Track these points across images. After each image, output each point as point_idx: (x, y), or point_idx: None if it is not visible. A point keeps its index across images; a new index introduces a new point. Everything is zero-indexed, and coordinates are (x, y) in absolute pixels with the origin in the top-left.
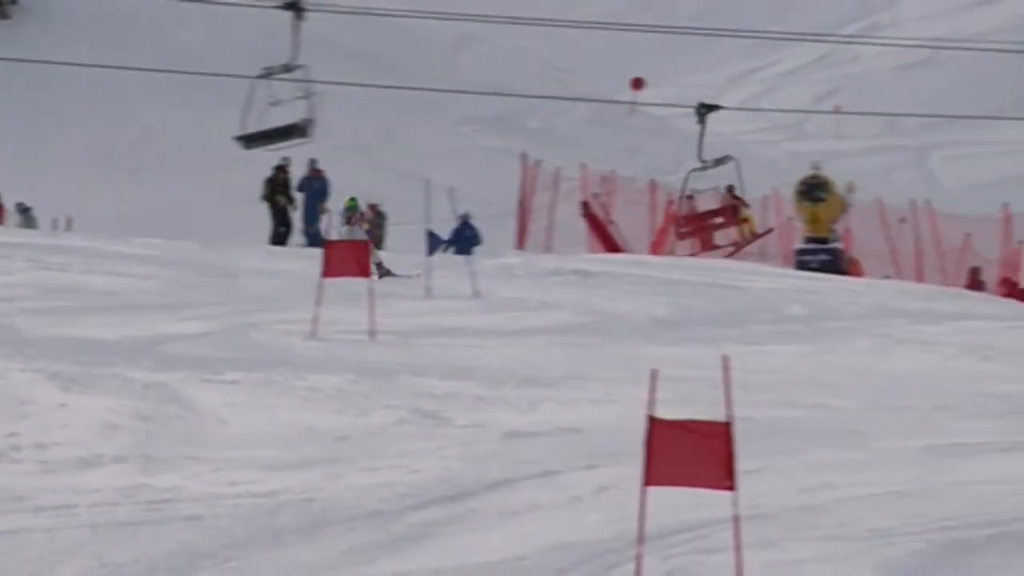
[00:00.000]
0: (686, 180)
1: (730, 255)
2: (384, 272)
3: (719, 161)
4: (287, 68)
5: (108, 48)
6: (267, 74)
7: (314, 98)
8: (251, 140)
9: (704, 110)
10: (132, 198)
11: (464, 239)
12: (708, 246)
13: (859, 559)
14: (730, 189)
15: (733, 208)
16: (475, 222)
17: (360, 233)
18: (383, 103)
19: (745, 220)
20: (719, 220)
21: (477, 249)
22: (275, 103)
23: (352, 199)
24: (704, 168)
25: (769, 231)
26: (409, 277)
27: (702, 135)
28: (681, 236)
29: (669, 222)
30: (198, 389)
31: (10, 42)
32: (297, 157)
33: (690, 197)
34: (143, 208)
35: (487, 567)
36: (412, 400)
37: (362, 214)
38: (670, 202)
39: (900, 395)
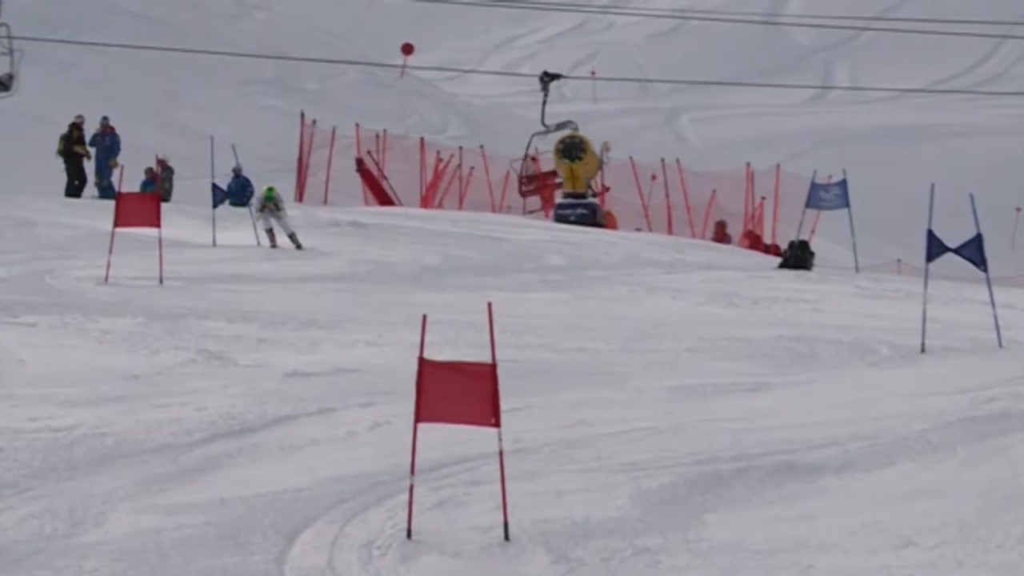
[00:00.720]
0: (529, 142)
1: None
2: (298, 245)
3: (560, 126)
4: None
5: None
6: None
7: (16, 54)
8: None
9: (547, 78)
10: None
11: (238, 189)
12: (549, 203)
13: (616, 490)
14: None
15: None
16: (249, 175)
17: (273, 222)
18: (170, 65)
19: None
20: (559, 180)
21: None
22: None
23: (271, 188)
24: (546, 132)
25: (606, 189)
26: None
27: (544, 102)
28: (524, 194)
29: (438, 178)
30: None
31: None
32: (90, 115)
33: (533, 159)
34: None
35: (270, 497)
36: (199, 342)
37: (276, 204)
38: (439, 159)
39: (652, 339)
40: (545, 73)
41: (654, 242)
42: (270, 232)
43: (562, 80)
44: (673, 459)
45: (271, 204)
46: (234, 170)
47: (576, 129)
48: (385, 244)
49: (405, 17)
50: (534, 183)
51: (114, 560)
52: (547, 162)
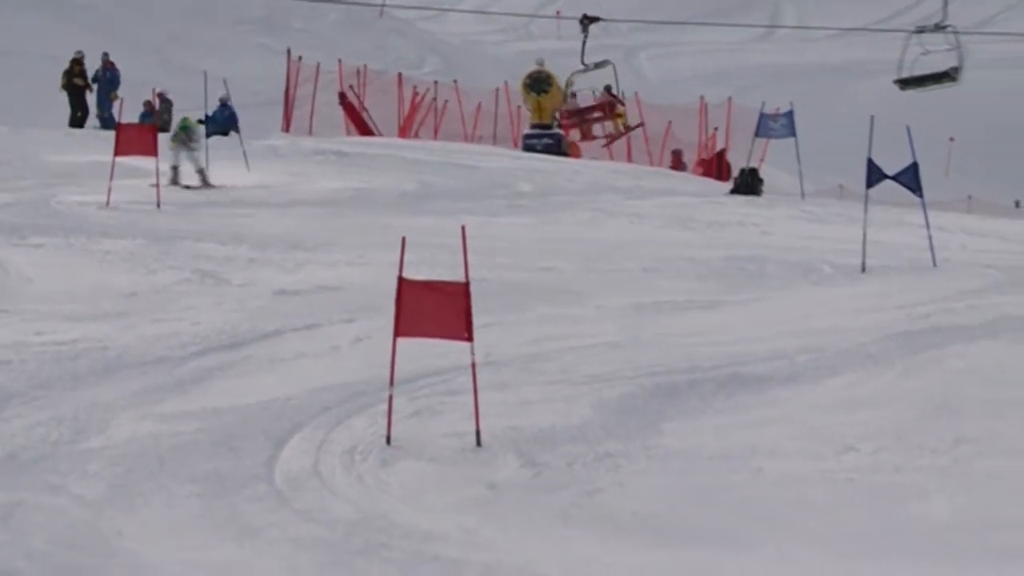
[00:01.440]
0: (569, 81)
1: (606, 145)
2: (204, 181)
3: (599, 64)
4: None
5: None
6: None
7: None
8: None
9: (587, 21)
10: None
11: (224, 119)
12: (588, 137)
13: (579, 400)
14: (607, 89)
15: (610, 104)
16: (239, 107)
17: (183, 155)
18: (168, 6)
19: (619, 115)
20: (597, 115)
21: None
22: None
23: (185, 118)
24: (586, 70)
25: (640, 124)
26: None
27: (584, 42)
28: (565, 128)
29: (415, 110)
30: (6, 252)
31: None
32: (91, 53)
33: (573, 95)
34: None
35: (260, 406)
36: (193, 262)
37: (190, 136)
38: (415, 93)
39: (613, 260)
40: (585, 16)
41: (615, 170)
42: (175, 169)
43: (527, 18)
44: (632, 371)
45: (183, 135)
46: (221, 99)
47: (613, 67)
48: (365, 171)
49: None
50: (575, 117)
51: (115, 464)
52: (585, 98)
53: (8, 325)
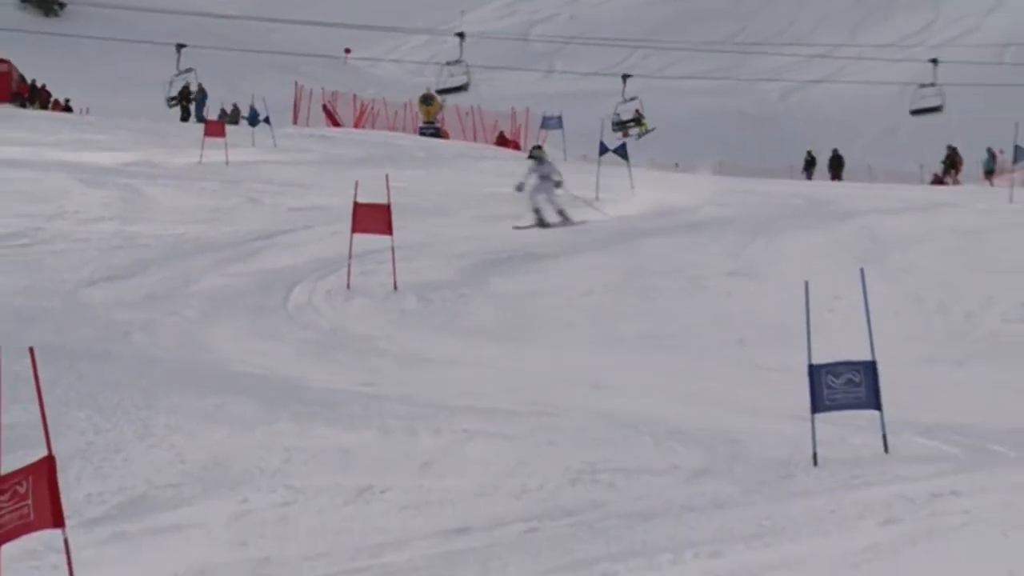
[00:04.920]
0: (616, 110)
1: (637, 139)
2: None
3: (630, 99)
4: None
5: None
6: None
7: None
8: None
9: (449, 63)
10: None
11: (254, 116)
12: (625, 134)
13: (449, 265)
14: (637, 111)
15: (639, 119)
16: (265, 110)
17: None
18: (226, 57)
19: (643, 124)
20: (632, 123)
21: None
22: None
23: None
24: (624, 101)
25: (653, 128)
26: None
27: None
28: (615, 131)
29: (363, 114)
30: (147, 187)
31: None
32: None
33: (617, 114)
34: None
35: (281, 269)
36: (246, 193)
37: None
38: (363, 104)
39: (469, 191)
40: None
41: (469, 146)
42: (537, 212)
43: (426, 64)
44: (479, 251)
45: (536, 161)
46: (251, 106)
47: (639, 100)
48: (336, 146)
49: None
50: (619, 125)
51: (206, 300)
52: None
53: (149, 226)
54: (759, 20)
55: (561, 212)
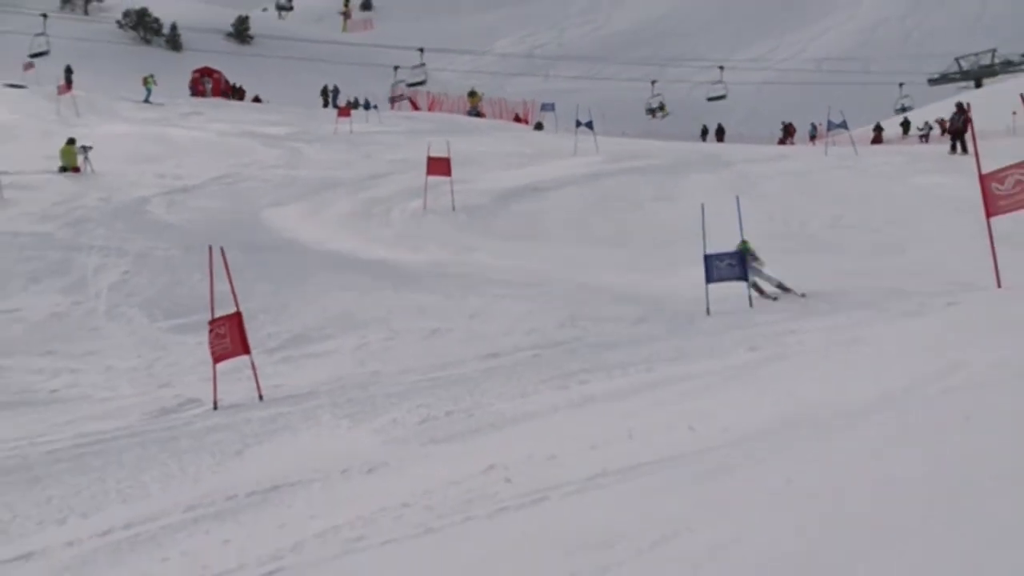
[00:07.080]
0: (648, 102)
1: (662, 118)
2: (784, 288)
3: (656, 95)
4: None
5: None
6: None
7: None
8: None
9: (653, 83)
10: None
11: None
12: (655, 117)
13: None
14: (661, 102)
15: (662, 106)
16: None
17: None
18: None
19: (664, 109)
20: (659, 109)
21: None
22: None
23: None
24: (653, 96)
25: (670, 113)
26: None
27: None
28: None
29: (433, 101)
30: (174, 130)
31: None
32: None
33: (649, 104)
34: None
35: (383, 197)
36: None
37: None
38: (432, 95)
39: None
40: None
41: (497, 123)
42: (756, 286)
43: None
44: (503, 186)
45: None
46: (366, 99)
47: (663, 98)
48: (416, 122)
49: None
50: (652, 111)
51: (338, 216)
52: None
53: (304, 171)
54: (672, 43)
55: (780, 285)
